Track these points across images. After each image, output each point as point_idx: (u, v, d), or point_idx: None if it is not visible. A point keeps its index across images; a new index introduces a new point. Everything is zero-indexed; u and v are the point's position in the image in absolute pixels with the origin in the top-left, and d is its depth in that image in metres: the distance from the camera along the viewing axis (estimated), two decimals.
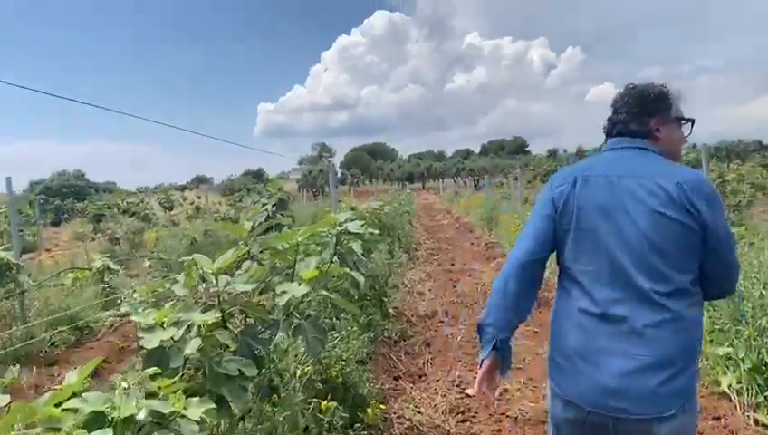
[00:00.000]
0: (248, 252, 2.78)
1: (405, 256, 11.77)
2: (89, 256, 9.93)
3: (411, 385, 5.09)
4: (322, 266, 3.09)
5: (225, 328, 2.37)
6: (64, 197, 42.01)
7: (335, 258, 4.13)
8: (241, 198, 26.79)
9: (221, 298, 2.31)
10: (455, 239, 16.58)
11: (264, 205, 6.40)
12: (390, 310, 7.04)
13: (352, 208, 7.47)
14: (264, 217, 6.24)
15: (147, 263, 9.93)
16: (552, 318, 2.07)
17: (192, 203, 31.97)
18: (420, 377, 5.37)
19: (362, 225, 4.10)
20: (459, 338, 6.45)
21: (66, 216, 30.91)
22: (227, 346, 2.25)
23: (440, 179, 71.76)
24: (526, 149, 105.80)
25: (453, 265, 11.94)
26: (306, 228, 2.80)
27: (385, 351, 5.86)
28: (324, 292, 2.61)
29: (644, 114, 2.03)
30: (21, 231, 12.42)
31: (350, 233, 4.08)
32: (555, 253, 2.06)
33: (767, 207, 13.68)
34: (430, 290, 9.31)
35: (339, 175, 72.09)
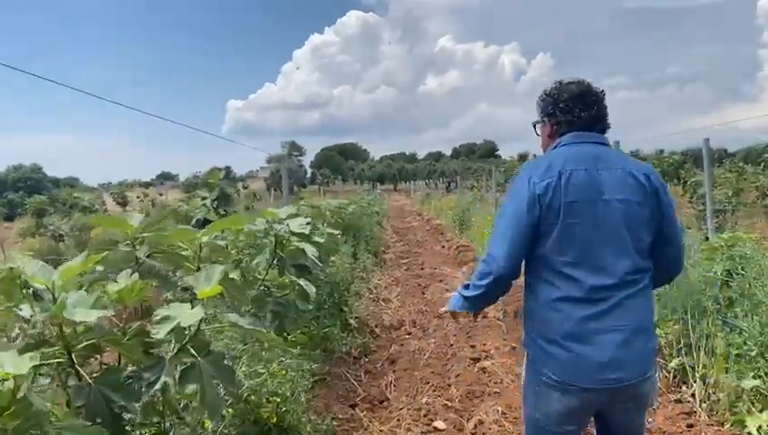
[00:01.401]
0: (136, 258, 1.96)
1: (372, 260, 10.98)
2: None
3: (370, 414, 4.30)
4: (244, 275, 2.30)
5: (76, 374, 1.57)
6: (20, 191, 40.32)
7: (275, 263, 3.34)
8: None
9: (62, 330, 1.50)
10: (425, 242, 15.86)
11: (203, 199, 5.55)
12: (351, 321, 6.25)
13: (312, 207, 6.66)
14: (201, 214, 5.39)
15: None
16: (531, 309, 2.11)
17: (152, 200, 30.79)
18: (381, 403, 4.59)
19: (309, 223, 3.31)
20: (427, 354, 5.68)
21: (20, 211, 29.46)
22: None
23: (412, 181, 71.24)
24: (496, 152, 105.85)
25: (422, 269, 11.20)
26: (215, 224, 1.99)
27: (342, 370, 5.06)
28: (233, 316, 1.80)
29: (603, 112, 2.17)
30: None
31: (294, 233, 3.28)
32: (533, 243, 2.06)
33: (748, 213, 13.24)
34: (397, 296, 8.55)
35: (309, 174, 71.05)
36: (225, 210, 5.53)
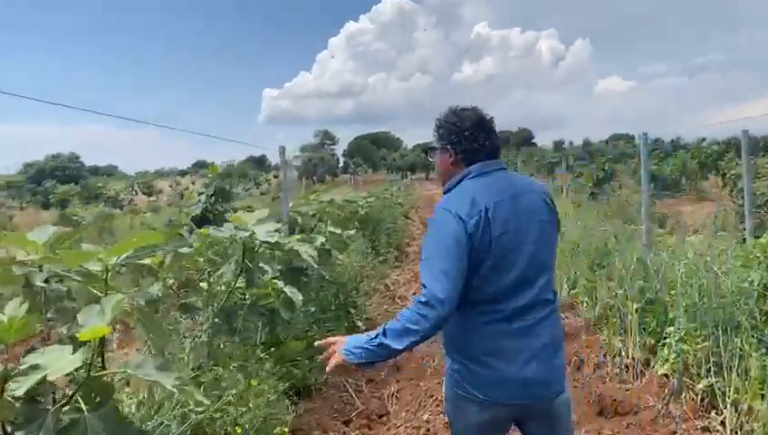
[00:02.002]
0: (27, 283, 1.65)
1: (392, 254, 10.64)
2: None
3: (366, 432, 3.97)
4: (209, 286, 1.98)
5: None
6: (58, 180, 41.08)
7: (243, 273, 3.01)
8: (232, 186, 25.69)
9: None
10: None
11: (199, 194, 5.26)
12: (359, 323, 5.93)
13: (321, 201, 6.35)
14: (199, 210, 5.11)
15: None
16: (454, 334, 2.11)
17: (186, 188, 30.93)
18: (381, 417, 4.26)
19: (277, 230, 2.98)
20: (437, 360, 5.31)
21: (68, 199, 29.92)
22: None
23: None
24: (532, 140, 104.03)
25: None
26: (126, 242, 1.65)
27: (341, 379, 4.74)
28: (139, 359, 1.47)
29: (498, 138, 2.20)
30: None
31: (265, 241, 2.95)
32: None
33: None
34: (415, 294, 8.17)
35: (341, 163, 70.92)
36: (222, 206, 5.23)
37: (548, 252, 2.12)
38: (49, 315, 1.62)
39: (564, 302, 6.42)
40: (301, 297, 3.64)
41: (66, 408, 1.44)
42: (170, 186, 37.33)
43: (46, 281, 1.64)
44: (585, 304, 6.05)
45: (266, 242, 2.87)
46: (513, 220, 2.00)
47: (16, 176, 44.37)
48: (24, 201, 28.33)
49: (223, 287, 2.99)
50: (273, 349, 4.33)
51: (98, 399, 1.48)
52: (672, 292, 4.34)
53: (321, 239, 5.09)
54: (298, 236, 4.73)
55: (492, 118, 2.21)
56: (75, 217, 13.82)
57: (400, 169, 76.36)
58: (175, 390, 1.44)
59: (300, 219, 5.48)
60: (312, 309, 5.33)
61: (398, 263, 10.60)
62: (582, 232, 7.71)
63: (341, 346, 2.03)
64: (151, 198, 26.74)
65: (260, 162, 76.86)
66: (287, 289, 3.62)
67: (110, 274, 1.64)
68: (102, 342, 1.65)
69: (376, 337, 1.98)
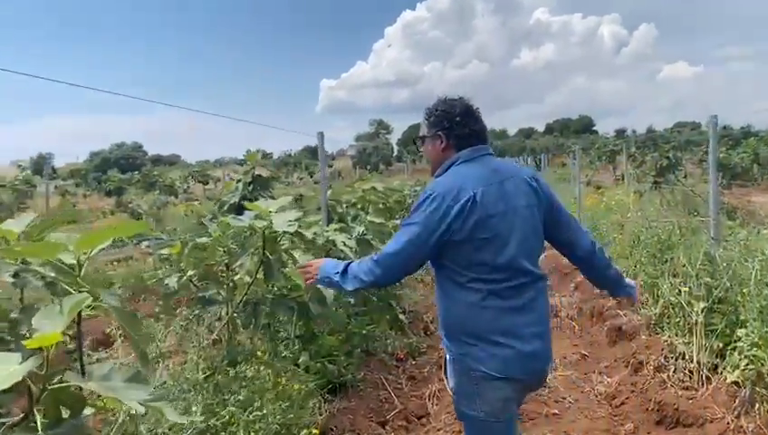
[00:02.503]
0: None
1: None
2: None
3: (403, 434, 3.73)
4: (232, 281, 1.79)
5: None
6: (121, 168, 42.33)
7: (260, 269, 2.80)
8: (287, 174, 25.83)
9: None
10: None
11: (237, 182, 5.10)
12: (402, 316, 5.68)
13: (365, 190, 6.12)
14: (236, 199, 4.95)
15: (144, 244, 8.88)
16: (457, 312, 2.17)
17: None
18: (420, 419, 4.02)
19: (298, 219, 2.74)
20: None
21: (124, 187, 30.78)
22: None
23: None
24: (593, 128, 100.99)
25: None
26: (89, 235, 1.44)
27: (381, 375, 4.51)
28: (72, 375, 1.26)
29: (484, 125, 2.33)
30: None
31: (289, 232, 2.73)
32: (445, 255, 2.15)
33: None
34: None
35: (395, 153, 70.62)
36: (261, 194, 5.06)
37: (536, 232, 2.23)
38: (13, 316, 1.43)
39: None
40: (332, 293, 3.42)
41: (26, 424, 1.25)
42: (228, 174, 37.89)
43: (16, 275, 1.45)
44: (645, 301, 5.62)
45: (286, 232, 2.64)
46: (501, 203, 2.11)
47: (82, 164, 46.16)
48: (89, 189, 29.21)
49: (247, 279, 2.79)
50: (307, 344, 4.17)
51: (64, 413, 1.29)
52: (744, 291, 3.92)
53: (359, 229, 4.86)
54: (336, 226, 4.51)
55: (478, 108, 2.34)
56: (130, 205, 14.08)
57: None
58: (141, 408, 1.23)
59: (339, 208, 5.26)
60: (351, 301, 5.12)
61: None
62: (642, 223, 7.24)
63: (320, 266, 2.39)
64: (207, 187, 27.12)
65: (316, 152, 77.09)
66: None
67: (83, 267, 1.44)
68: (79, 346, 1.47)
69: (340, 273, 2.30)
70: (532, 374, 2.18)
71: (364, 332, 4.89)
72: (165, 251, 2.74)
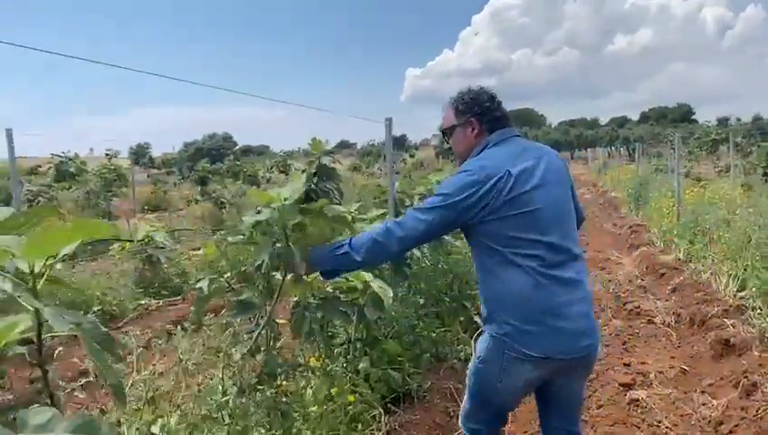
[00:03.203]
0: None
1: None
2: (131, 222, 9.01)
3: None
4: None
5: None
6: (212, 158, 43.70)
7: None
8: (368, 164, 25.72)
9: None
10: (594, 218, 14.14)
11: (302, 172, 4.81)
12: (477, 319, 5.25)
13: (432, 182, 5.73)
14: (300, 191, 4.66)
15: (217, 236, 8.84)
16: (499, 291, 2.13)
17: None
18: None
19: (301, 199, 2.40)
20: None
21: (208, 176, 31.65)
22: None
23: (591, 149, 66.73)
24: (692, 117, 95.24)
25: (585, 251, 9.73)
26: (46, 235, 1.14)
27: (450, 384, 4.12)
28: None
29: (507, 112, 2.38)
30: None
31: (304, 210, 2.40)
32: (487, 234, 2.12)
33: None
34: None
35: None
36: (326, 186, 4.75)
37: (571, 208, 2.27)
38: None
39: (731, 305, 5.32)
40: (391, 294, 3.07)
41: None
42: (332, 161, 38.29)
43: None
44: (758, 310, 4.93)
45: (306, 210, 2.33)
46: (538, 178, 2.11)
47: (176, 154, 48.12)
48: (180, 178, 30.24)
49: (278, 277, 2.48)
50: (369, 347, 3.84)
51: None
52: None
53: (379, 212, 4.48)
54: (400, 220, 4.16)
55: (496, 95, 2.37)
56: (214, 194, 14.30)
57: None
58: None
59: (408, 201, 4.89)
60: (421, 301, 4.76)
61: None
62: (754, 220, 6.44)
63: (311, 252, 2.29)
64: (287, 176, 27.39)
65: (400, 141, 77.15)
66: (375, 283, 3.06)
67: (41, 277, 1.15)
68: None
69: (341, 247, 2.22)
70: (578, 352, 2.12)
71: (434, 335, 4.51)
72: (200, 251, 2.47)
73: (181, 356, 2.33)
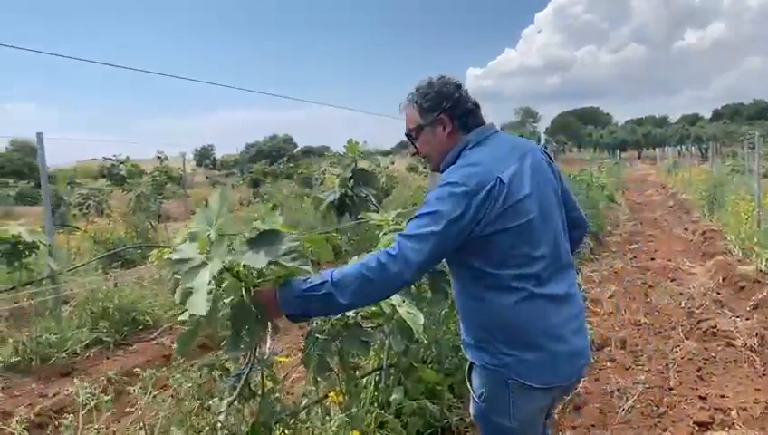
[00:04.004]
0: None
1: (588, 246, 9.13)
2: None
3: None
4: None
5: None
6: (273, 159, 44.20)
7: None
8: (425, 165, 25.10)
9: None
10: (663, 222, 13.26)
11: (336, 177, 4.44)
12: None
13: None
14: (335, 196, 4.31)
15: None
16: (490, 319, 1.89)
17: (386, 167, 31.28)
18: None
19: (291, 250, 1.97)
20: (630, 401, 3.99)
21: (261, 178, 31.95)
22: None
23: (660, 148, 64.15)
24: None
25: (653, 259, 9.03)
26: None
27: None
28: None
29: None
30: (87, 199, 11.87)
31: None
32: (474, 254, 1.86)
33: None
34: (611, 298, 6.73)
35: (542, 142, 67.91)
36: (363, 191, 4.38)
37: (561, 210, 2.01)
38: None
39: None
40: (422, 320, 2.64)
41: None
42: (369, 165, 38.20)
43: None
44: None
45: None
46: (528, 182, 1.87)
47: (238, 156, 48.90)
48: (240, 180, 30.57)
49: None
50: (404, 375, 3.42)
51: None
52: None
53: None
54: None
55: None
56: (266, 195, 14.19)
57: (610, 146, 70.84)
58: None
59: None
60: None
61: (593, 256, 9.06)
62: None
63: (275, 293, 1.85)
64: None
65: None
66: (403, 308, 2.63)
67: None
68: None
69: (322, 284, 1.78)
70: (576, 375, 1.98)
71: None
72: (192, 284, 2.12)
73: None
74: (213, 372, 2.09)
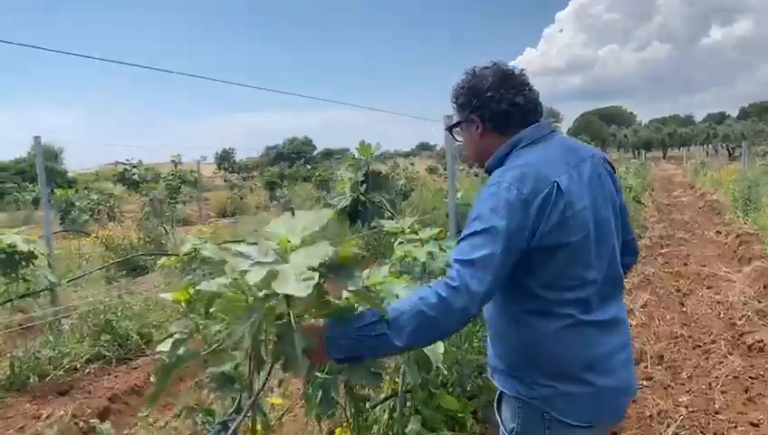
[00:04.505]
0: None
1: None
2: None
3: None
4: None
5: None
6: (292, 162, 44.12)
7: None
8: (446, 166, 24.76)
9: None
10: (694, 225, 12.75)
11: (348, 180, 4.12)
12: None
13: None
14: (347, 202, 3.99)
15: None
16: (530, 347, 1.66)
17: (405, 169, 31.06)
18: None
19: (317, 268, 1.63)
20: (673, 427, 3.61)
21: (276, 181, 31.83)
22: None
23: (685, 147, 62.99)
24: None
25: (686, 265, 8.57)
26: None
27: None
28: None
29: (535, 95, 1.80)
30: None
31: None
32: (519, 272, 1.60)
33: None
34: (643, 307, 6.32)
35: None
36: (376, 195, 4.05)
37: (617, 229, 1.75)
38: None
39: None
40: (442, 349, 2.30)
41: None
42: (390, 167, 38.08)
43: None
44: None
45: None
46: (586, 191, 1.63)
47: (258, 159, 48.94)
48: (258, 181, 30.47)
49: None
50: (421, 403, 3.09)
51: None
52: None
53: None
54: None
55: (523, 72, 1.79)
56: (282, 199, 13.96)
57: (633, 146, 69.68)
58: None
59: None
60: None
61: None
62: None
63: (324, 332, 1.53)
64: None
65: None
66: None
67: None
68: None
69: (373, 324, 1.49)
70: (620, 412, 1.79)
71: None
72: (167, 295, 1.82)
73: None
74: (194, 416, 1.79)
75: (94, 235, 9.28)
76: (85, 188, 11.52)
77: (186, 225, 15.23)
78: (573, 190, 1.59)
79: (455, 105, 1.86)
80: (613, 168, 1.83)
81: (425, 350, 2.25)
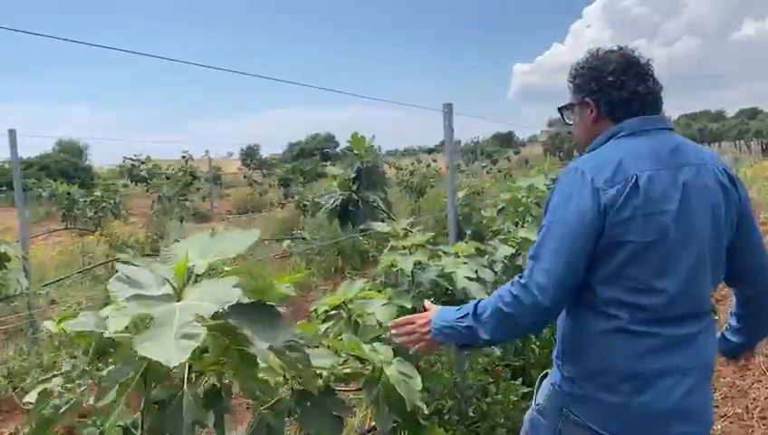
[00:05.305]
0: None
1: None
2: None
3: None
4: None
5: None
6: (314, 158, 43.79)
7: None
8: (468, 162, 24.35)
9: None
10: None
11: (334, 178, 3.72)
12: None
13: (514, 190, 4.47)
14: (337, 202, 3.59)
15: (285, 244, 7.97)
16: (574, 342, 1.64)
17: (428, 165, 30.72)
18: None
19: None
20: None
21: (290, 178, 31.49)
22: None
23: (717, 143, 61.52)
24: None
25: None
26: None
27: None
28: None
29: (659, 87, 1.71)
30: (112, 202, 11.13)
31: None
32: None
33: None
34: None
35: None
36: (372, 194, 3.64)
37: (716, 249, 1.58)
38: None
39: None
40: (420, 385, 1.88)
41: None
42: (412, 163, 37.77)
43: None
44: None
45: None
46: (674, 198, 1.51)
47: (281, 155, 48.67)
48: (274, 179, 30.24)
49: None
50: None
51: None
52: None
53: (504, 251, 3.25)
54: (463, 245, 2.96)
55: (648, 62, 1.69)
56: (295, 197, 13.60)
57: None
58: None
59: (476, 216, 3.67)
60: (498, 351, 3.56)
61: None
62: None
63: (434, 314, 1.75)
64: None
65: (506, 138, 74.88)
66: (392, 367, 1.87)
67: None
68: None
69: (465, 317, 1.65)
70: None
71: (514, 399, 3.31)
72: (50, 325, 1.45)
73: None
74: None
75: (98, 232, 9.04)
76: (93, 184, 11.29)
77: (203, 221, 15.00)
78: (656, 190, 1.50)
79: (570, 85, 1.77)
80: (734, 180, 1.64)
81: (397, 386, 1.84)
